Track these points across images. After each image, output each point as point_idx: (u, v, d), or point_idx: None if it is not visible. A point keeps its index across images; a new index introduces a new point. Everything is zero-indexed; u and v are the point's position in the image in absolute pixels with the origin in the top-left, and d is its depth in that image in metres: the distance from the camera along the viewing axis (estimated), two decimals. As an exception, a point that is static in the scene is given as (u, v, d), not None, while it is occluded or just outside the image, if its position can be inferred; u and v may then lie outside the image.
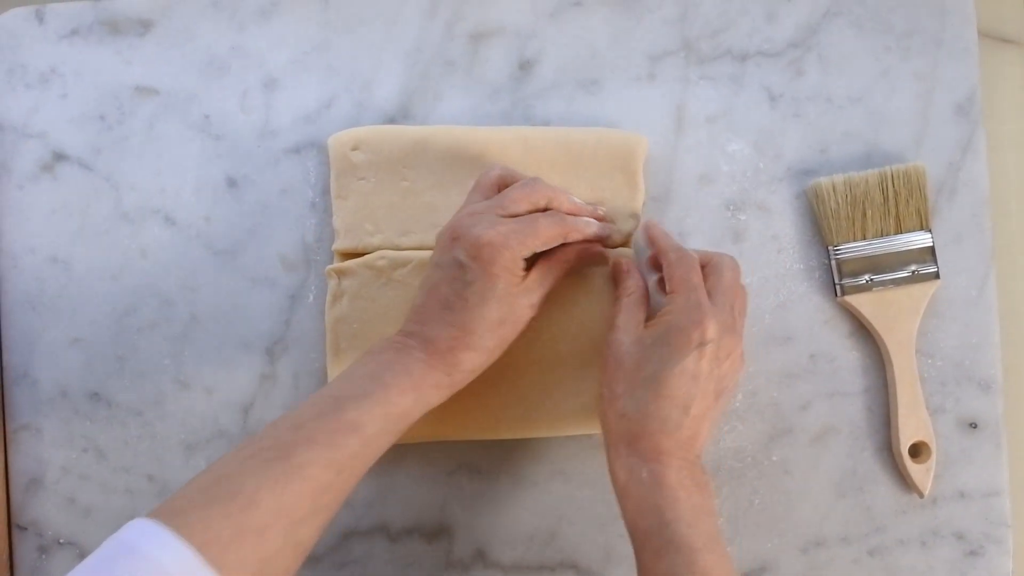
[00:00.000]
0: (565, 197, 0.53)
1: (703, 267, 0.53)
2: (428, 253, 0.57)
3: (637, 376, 0.49)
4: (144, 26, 0.61)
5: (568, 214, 0.53)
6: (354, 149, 0.58)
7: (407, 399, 0.48)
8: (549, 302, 0.56)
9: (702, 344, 0.49)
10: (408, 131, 0.58)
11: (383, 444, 0.47)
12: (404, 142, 0.58)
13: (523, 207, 0.51)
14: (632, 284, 0.53)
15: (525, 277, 0.51)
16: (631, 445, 0.49)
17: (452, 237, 0.50)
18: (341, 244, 0.58)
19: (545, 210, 0.52)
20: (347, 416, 0.46)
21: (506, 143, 0.58)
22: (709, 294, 0.51)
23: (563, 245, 0.52)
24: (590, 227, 0.53)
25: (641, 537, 0.47)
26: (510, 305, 0.50)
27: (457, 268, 0.49)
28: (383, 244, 0.58)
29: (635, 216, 0.58)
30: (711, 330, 0.49)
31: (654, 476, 0.48)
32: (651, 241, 0.55)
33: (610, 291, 0.57)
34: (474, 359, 0.50)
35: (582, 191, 0.57)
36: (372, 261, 0.57)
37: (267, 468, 0.43)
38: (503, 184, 0.54)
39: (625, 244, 0.58)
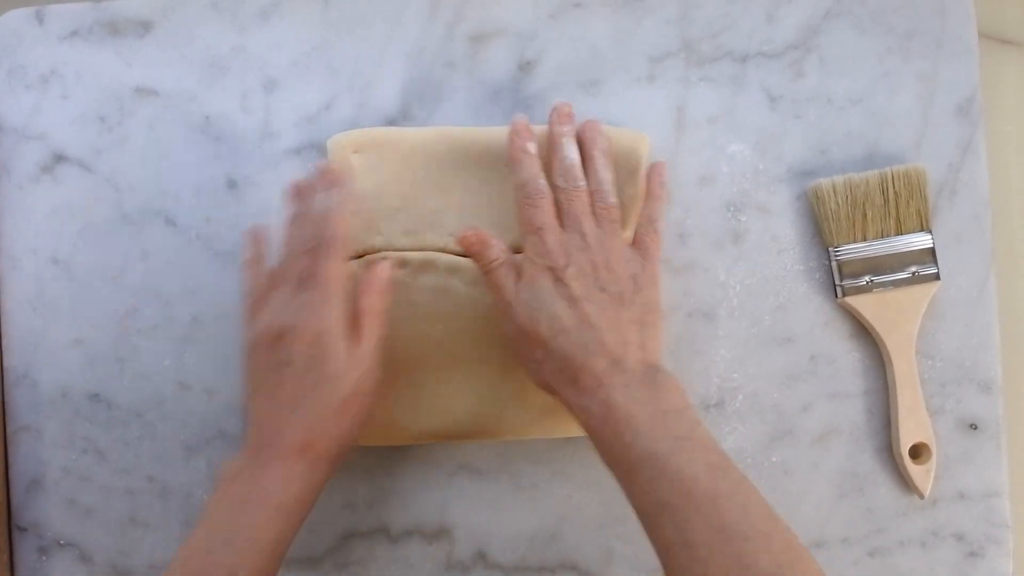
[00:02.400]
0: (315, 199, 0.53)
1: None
2: (429, 254, 0.57)
3: (536, 330, 0.50)
4: (144, 27, 0.61)
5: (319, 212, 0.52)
6: (355, 152, 0.58)
7: (273, 527, 0.47)
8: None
9: (557, 271, 0.50)
10: (408, 133, 0.58)
11: (266, 572, 0.47)
12: (404, 144, 0.58)
13: (295, 266, 0.51)
14: (493, 253, 0.53)
15: (357, 339, 0.50)
16: (576, 388, 0.49)
17: (270, 341, 0.49)
18: (342, 246, 0.58)
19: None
20: (221, 569, 0.45)
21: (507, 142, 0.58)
22: (569, 226, 0.52)
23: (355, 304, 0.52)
24: (327, 201, 0.52)
25: (615, 467, 0.47)
26: (350, 383, 0.49)
27: (288, 367, 0.49)
28: (384, 246, 0.58)
29: (637, 214, 0.58)
30: (559, 260, 0.50)
31: (603, 404, 0.47)
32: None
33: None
34: (331, 448, 0.50)
35: None
36: (371, 262, 0.57)
37: None
38: (260, 236, 0.55)
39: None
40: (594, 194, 0.53)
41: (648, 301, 0.51)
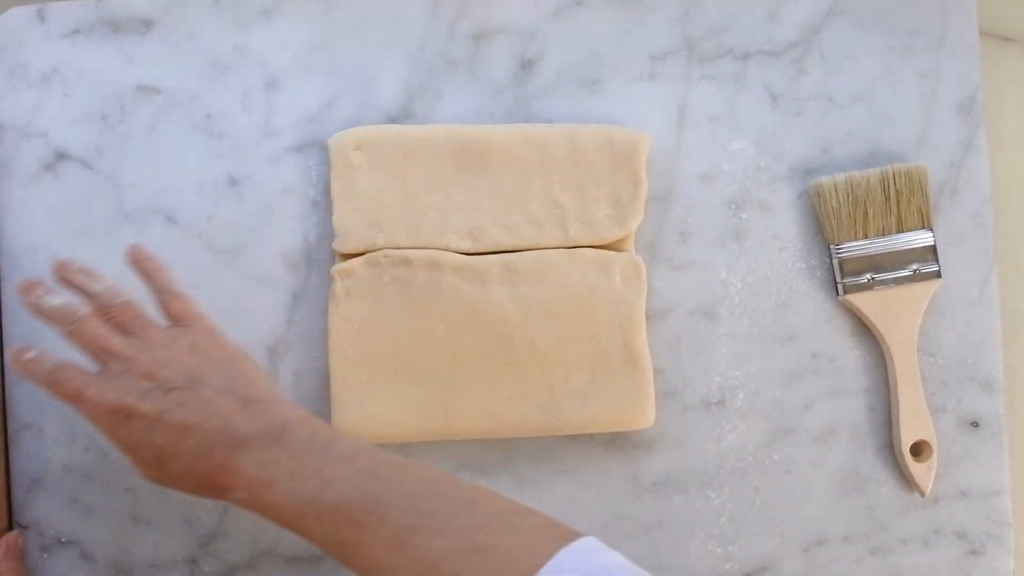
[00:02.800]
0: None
1: None
2: (431, 252, 0.57)
3: (151, 464, 0.50)
4: (146, 25, 0.61)
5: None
6: (355, 150, 0.58)
7: None
8: (551, 304, 0.57)
9: (130, 418, 0.48)
10: (409, 131, 0.59)
11: None
12: (405, 142, 0.58)
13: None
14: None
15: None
16: (203, 489, 0.49)
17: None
18: (342, 245, 0.58)
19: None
20: None
21: (508, 140, 0.58)
22: (99, 361, 0.51)
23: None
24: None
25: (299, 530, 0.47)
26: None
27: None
28: (385, 244, 0.58)
29: (638, 213, 0.58)
30: (117, 406, 0.48)
31: (249, 498, 0.47)
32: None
33: (618, 292, 0.57)
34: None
35: (586, 187, 0.58)
36: (374, 260, 0.57)
37: None
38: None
39: (626, 236, 0.58)
40: (107, 310, 0.52)
41: (220, 361, 0.50)
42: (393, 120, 0.61)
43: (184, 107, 0.61)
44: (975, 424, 0.59)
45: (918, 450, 0.58)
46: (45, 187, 0.61)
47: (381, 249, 0.58)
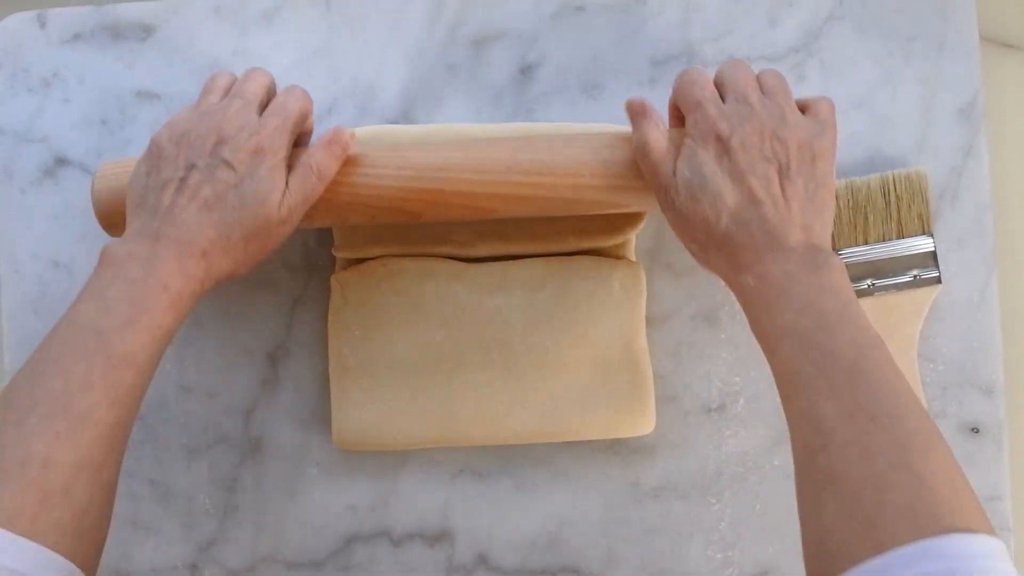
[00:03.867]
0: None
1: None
2: (429, 260, 0.57)
3: (698, 211, 0.47)
4: (146, 31, 0.61)
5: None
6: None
7: (168, 317, 0.46)
8: (550, 310, 0.57)
9: (721, 145, 0.47)
10: (411, 130, 0.58)
11: (156, 364, 0.46)
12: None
13: (261, 89, 0.52)
14: (648, 127, 0.50)
15: (285, 187, 0.49)
16: (735, 266, 0.47)
17: (216, 142, 0.48)
18: (341, 250, 0.58)
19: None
20: (117, 351, 0.44)
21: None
22: (733, 98, 0.49)
23: (305, 152, 0.51)
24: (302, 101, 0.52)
25: (762, 340, 0.46)
26: (267, 216, 0.48)
27: (224, 169, 0.48)
28: (384, 251, 0.57)
29: (638, 218, 0.58)
30: (724, 130, 0.47)
31: (758, 277, 0.45)
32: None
33: (618, 298, 0.57)
34: (226, 267, 0.49)
35: None
36: (373, 268, 0.57)
37: (50, 425, 0.41)
38: (232, 84, 0.53)
39: (626, 241, 0.58)
40: (760, 73, 0.51)
41: (820, 174, 0.47)
42: (393, 124, 0.61)
43: (184, 112, 0.61)
44: (975, 429, 0.59)
45: (918, 455, 0.58)
46: (46, 192, 0.61)
47: (380, 257, 0.57)
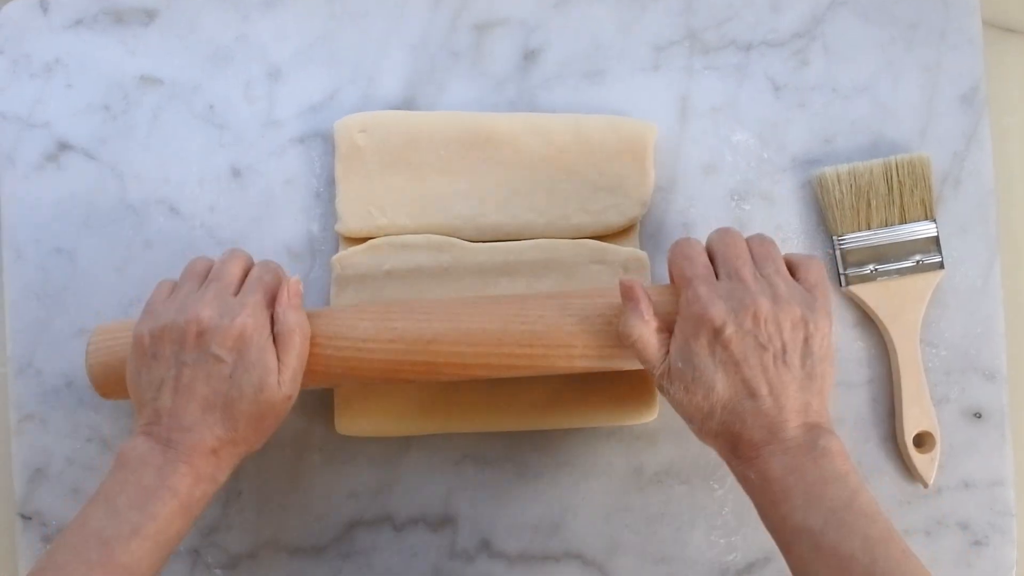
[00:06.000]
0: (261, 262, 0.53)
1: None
2: (432, 237, 0.57)
3: (692, 402, 0.47)
4: (148, 16, 0.61)
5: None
6: (361, 132, 0.58)
7: (176, 524, 0.47)
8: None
9: (715, 332, 0.46)
10: (415, 116, 0.59)
11: (160, 569, 0.47)
12: (410, 126, 0.58)
13: (238, 270, 0.51)
14: (634, 319, 0.49)
15: (278, 361, 0.49)
16: (736, 456, 0.47)
17: (197, 333, 0.48)
18: (344, 226, 0.58)
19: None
20: (120, 562, 0.44)
21: (515, 128, 0.58)
22: (725, 274, 0.48)
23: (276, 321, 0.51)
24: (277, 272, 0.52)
25: (773, 535, 0.46)
26: (269, 399, 0.48)
27: (213, 363, 0.48)
28: (387, 226, 0.57)
29: (643, 203, 0.58)
30: (717, 317, 0.46)
31: (760, 474, 0.45)
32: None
33: (617, 280, 0.57)
34: (240, 452, 0.49)
35: (591, 176, 0.58)
36: (375, 246, 0.57)
37: None
38: (210, 269, 0.53)
39: (631, 227, 0.58)
40: (749, 240, 0.50)
41: (815, 350, 0.47)
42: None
43: (187, 98, 0.61)
44: (978, 415, 0.59)
45: (921, 441, 0.58)
46: (48, 178, 0.61)
47: (383, 231, 0.57)
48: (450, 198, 0.58)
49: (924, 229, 0.58)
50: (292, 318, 0.50)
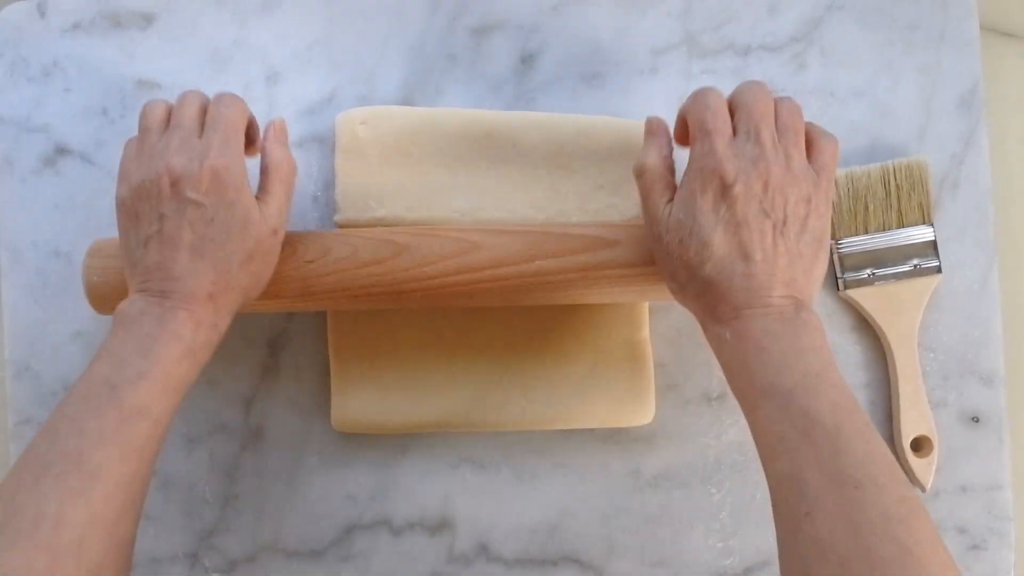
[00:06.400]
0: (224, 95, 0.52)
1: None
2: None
3: (683, 255, 0.46)
4: (146, 20, 0.61)
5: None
6: (362, 124, 0.58)
7: (183, 367, 0.46)
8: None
9: (723, 188, 0.45)
10: (416, 110, 0.59)
11: (171, 415, 0.46)
12: (411, 120, 0.58)
13: (195, 110, 0.50)
14: (649, 157, 0.49)
15: (264, 193, 0.50)
16: (713, 316, 0.46)
17: (171, 183, 0.47)
18: (343, 217, 0.58)
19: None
20: (129, 403, 0.44)
21: (516, 124, 0.58)
22: (744, 132, 0.47)
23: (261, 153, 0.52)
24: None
25: (741, 398, 0.46)
26: (256, 236, 0.48)
27: (193, 209, 0.47)
28: (386, 218, 0.57)
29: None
30: (729, 174, 0.45)
31: (736, 333, 0.45)
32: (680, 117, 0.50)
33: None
34: (236, 298, 0.49)
35: (591, 174, 0.58)
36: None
37: (63, 483, 0.41)
38: (169, 113, 0.51)
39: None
40: (778, 102, 0.48)
41: (813, 230, 0.47)
42: (394, 115, 0.61)
43: (185, 101, 0.61)
44: (975, 419, 0.59)
45: (918, 445, 0.58)
46: (46, 182, 0.61)
47: (382, 221, 0.57)
48: (449, 192, 0.57)
49: (922, 233, 0.58)
50: (279, 152, 0.51)
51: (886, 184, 0.58)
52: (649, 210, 0.48)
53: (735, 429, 0.59)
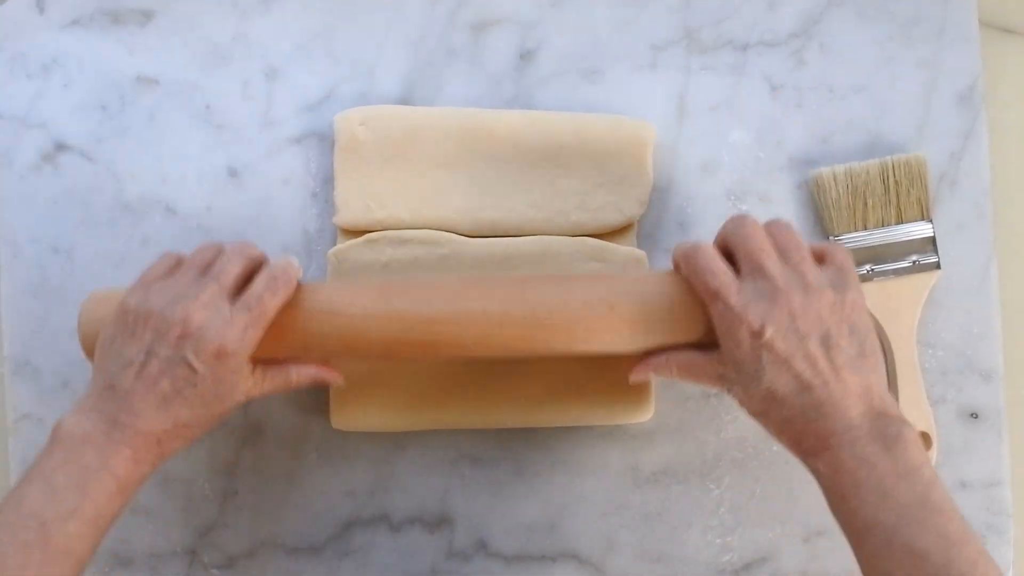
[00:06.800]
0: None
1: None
2: (430, 232, 0.57)
3: (755, 405, 0.47)
4: (145, 16, 0.61)
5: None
6: (361, 125, 0.58)
7: (114, 504, 0.46)
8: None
9: (754, 337, 0.45)
10: (415, 111, 0.59)
11: (94, 550, 0.46)
12: (411, 121, 0.58)
13: (240, 269, 0.49)
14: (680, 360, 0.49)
15: (252, 371, 0.49)
16: (801, 450, 0.46)
17: (180, 335, 0.46)
18: (342, 219, 0.58)
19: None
20: (55, 544, 0.43)
21: (515, 124, 0.58)
22: (748, 272, 0.47)
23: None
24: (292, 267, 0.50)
25: (844, 528, 0.44)
26: (227, 408, 0.49)
27: (184, 368, 0.47)
28: (386, 220, 0.57)
29: (642, 203, 0.58)
30: (754, 322, 0.45)
31: (829, 466, 0.44)
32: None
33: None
34: (180, 447, 0.49)
35: (591, 173, 0.58)
36: (372, 239, 0.57)
37: None
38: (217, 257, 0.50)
39: (628, 226, 0.58)
40: (768, 227, 0.48)
41: (860, 327, 0.46)
42: (393, 110, 0.61)
43: (184, 97, 0.61)
44: (974, 415, 0.59)
45: (918, 441, 0.58)
46: (45, 177, 0.61)
47: (381, 225, 0.57)
48: (449, 192, 0.58)
49: (920, 229, 0.58)
50: (311, 372, 0.51)
51: (885, 180, 0.58)
52: (706, 379, 0.49)
53: (734, 425, 0.59)
